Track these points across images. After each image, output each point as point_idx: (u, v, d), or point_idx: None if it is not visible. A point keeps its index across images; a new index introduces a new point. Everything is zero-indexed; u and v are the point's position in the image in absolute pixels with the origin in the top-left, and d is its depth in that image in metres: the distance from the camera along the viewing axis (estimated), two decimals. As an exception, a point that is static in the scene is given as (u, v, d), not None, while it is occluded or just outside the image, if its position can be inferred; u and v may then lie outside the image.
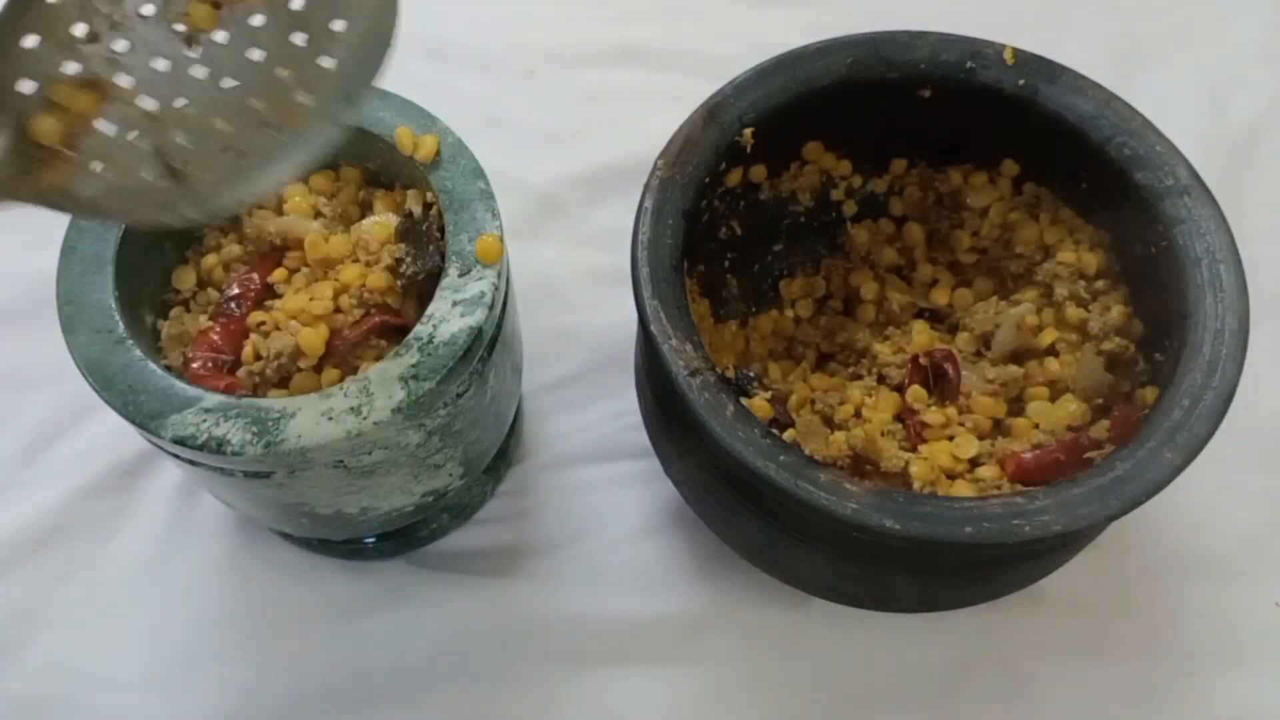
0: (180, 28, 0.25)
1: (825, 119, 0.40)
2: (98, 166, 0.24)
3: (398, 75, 0.42)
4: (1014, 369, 0.38)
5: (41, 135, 0.24)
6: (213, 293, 0.38)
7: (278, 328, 0.36)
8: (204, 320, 0.37)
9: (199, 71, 0.25)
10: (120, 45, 0.25)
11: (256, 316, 0.36)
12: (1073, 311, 0.38)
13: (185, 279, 0.38)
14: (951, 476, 0.35)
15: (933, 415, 0.38)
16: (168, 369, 0.32)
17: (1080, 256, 0.39)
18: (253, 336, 0.36)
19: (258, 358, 0.35)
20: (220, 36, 0.25)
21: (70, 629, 0.41)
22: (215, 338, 0.36)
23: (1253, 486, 0.45)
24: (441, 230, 0.36)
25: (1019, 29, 0.41)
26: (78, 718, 0.40)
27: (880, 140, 0.41)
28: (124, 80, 0.25)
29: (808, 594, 0.37)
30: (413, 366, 0.32)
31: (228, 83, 0.25)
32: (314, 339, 0.35)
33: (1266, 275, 0.39)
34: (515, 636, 0.42)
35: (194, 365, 0.35)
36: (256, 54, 0.25)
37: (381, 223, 0.36)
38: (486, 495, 0.45)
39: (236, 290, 0.37)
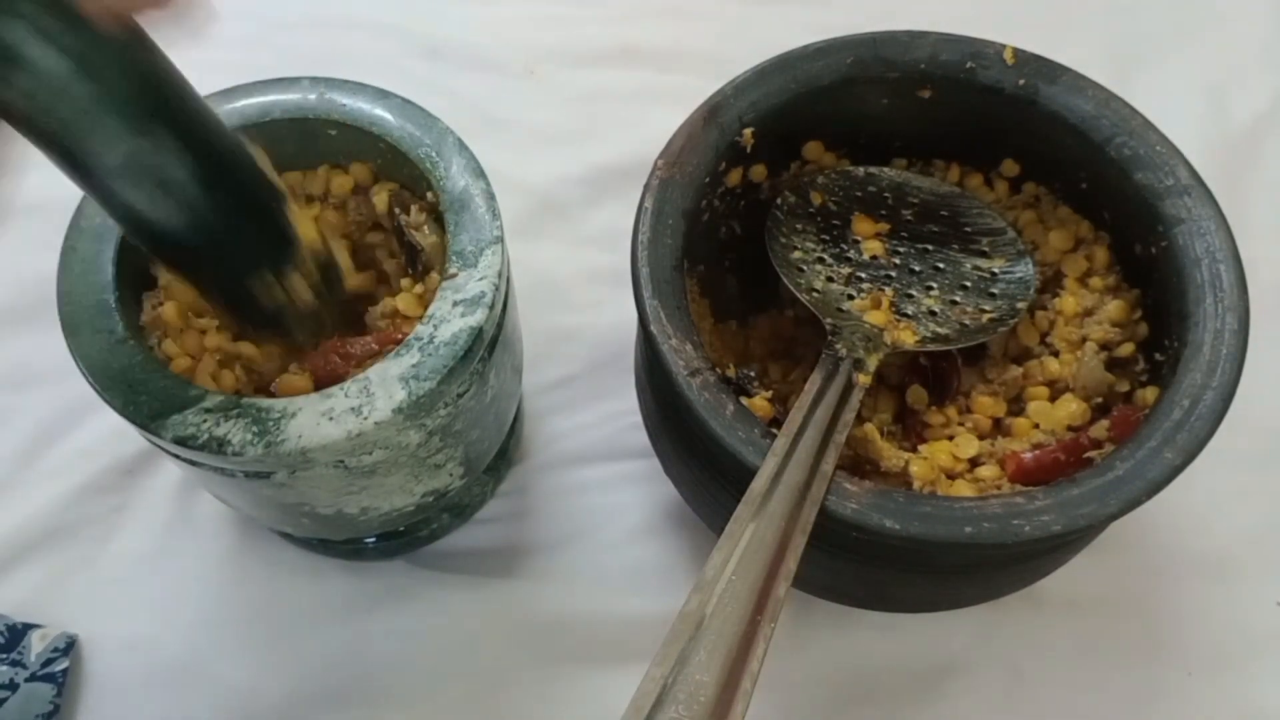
0: None
1: (825, 119, 0.40)
2: None
3: (398, 75, 0.42)
4: (1014, 369, 0.38)
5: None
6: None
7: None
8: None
9: None
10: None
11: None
12: (1073, 311, 0.38)
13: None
14: (951, 476, 0.35)
15: (933, 415, 0.38)
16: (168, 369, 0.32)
17: (1080, 256, 0.39)
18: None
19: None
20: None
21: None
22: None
23: (1253, 486, 0.44)
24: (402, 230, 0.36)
25: (1019, 29, 0.41)
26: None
27: (880, 140, 0.41)
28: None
29: (808, 594, 0.37)
30: (413, 366, 0.32)
31: None
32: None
33: (1266, 275, 0.39)
34: (515, 636, 0.42)
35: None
36: None
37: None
38: (486, 495, 0.45)
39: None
